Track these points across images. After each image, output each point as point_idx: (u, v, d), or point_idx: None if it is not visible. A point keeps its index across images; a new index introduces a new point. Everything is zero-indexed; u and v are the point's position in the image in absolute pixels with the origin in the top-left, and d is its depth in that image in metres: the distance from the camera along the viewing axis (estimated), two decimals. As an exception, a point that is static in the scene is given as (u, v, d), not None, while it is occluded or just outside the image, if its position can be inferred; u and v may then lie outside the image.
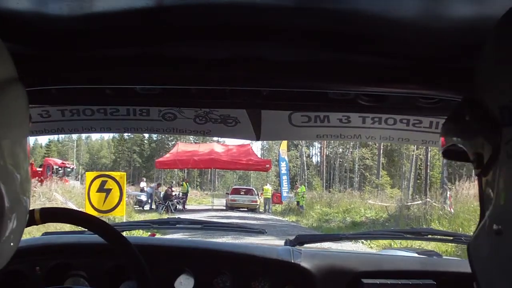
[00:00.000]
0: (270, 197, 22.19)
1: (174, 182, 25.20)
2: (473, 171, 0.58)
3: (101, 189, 9.38)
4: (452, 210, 11.23)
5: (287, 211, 21.08)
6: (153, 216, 14.87)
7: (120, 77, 0.92)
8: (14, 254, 0.55)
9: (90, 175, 9.90)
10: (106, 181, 9.46)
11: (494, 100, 0.54)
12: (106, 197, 9.40)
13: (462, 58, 0.87)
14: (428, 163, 19.44)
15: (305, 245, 1.66)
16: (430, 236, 1.83)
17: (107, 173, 10.63)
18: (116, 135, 62.29)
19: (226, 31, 0.81)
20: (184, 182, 22.75)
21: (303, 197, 20.44)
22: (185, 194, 21.40)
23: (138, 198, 20.42)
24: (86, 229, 1.06)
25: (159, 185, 21.27)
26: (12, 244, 0.54)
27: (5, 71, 0.52)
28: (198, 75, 0.91)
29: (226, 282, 1.42)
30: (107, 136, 69.44)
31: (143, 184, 21.93)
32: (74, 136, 60.24)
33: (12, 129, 0.52)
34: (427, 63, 0.88)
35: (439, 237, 1.90)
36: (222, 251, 1.52)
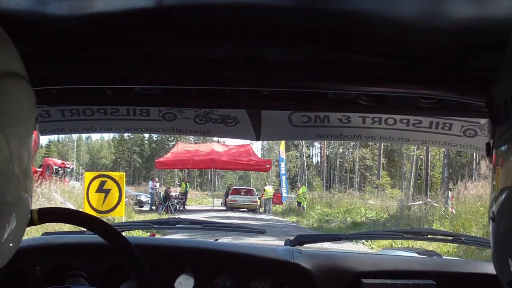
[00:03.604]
0: (271, 197, 22.20)
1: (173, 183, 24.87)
2: None
3: (100, 189, 9.35)
4: (454, 211, 11.20)
5: (287, 211, 21.08)
6: (153, 216, 14.86)
7: (120, 77, 0.92)
8: (14, 254, 0.55)
9: (89, 175, 9.84)
10: (105, 181, 9.43)
11: (499, 96, 0.57)
12: (105, 197, 9.37)
13: (462, 58, 0.87)
14: (429, 163, 19.44)
15: (305, 245, 1.66)
16: (430, 236, 1.83)
17: (106, 173, 10.59)
18: (116, 135, 62.31)
19: (226, 31, 0.81)
20: (182, 182, 22.58)
21: (304, 197, 20.43)
22: (184, 194, 21.33)
23: (138, 198, 20.36)
24: (86, 229, 1.06)
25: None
26: (11, 244, 0.53)
27: (4, 63, 0.51)
28: (198, 75, 0.91)
29: (226, 282, 1.42)
30: (107, 136, 69.50)
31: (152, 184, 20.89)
32: (74, 136, 60.27)
33: (15, 123, 0.51)
34: (427, 63, 0.88)
35: (439, 237, 1.90)
36: (222, 251, 1.52)
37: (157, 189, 19.91)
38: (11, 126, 0.50)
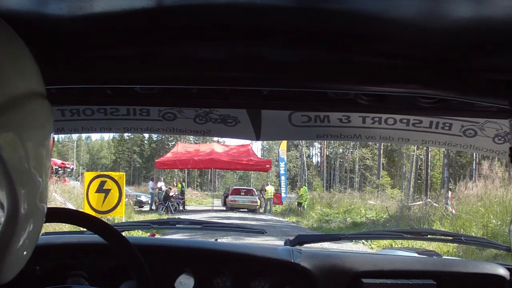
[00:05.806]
0: (271, 197, 22.18)
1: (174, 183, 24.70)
2: None
3: (100, 189, 9.31)
4: (454, 211, 11.19)
5: (287, 211, 21.08)
6: (153, 217, 14.84)
7: (120, 77, 0.92)
8: None
9: (88, 175, 9.81)
10: (105, 181, 9.39)
11: None
12: (105, 197, 9.34)
13: (462, 58, 0.87)
14: (429, 163, 19.44)
15: (305, 245, 1.66)
16: (430, 236, 1.83)
17: (106, 173, 10.56)
18: (116, 135, 62.25)
19: (226, 31, 0.81)
20: (178, 182, 22.41)
21: (304, 198, 20.40)
22: (182, 194, 21.17)
23: (138, 198, 20.32)
24: (86, 229, 1.06)
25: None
26: (25, 252, 0.53)
27: (30, 84, 0.53)
28: (198, 75, 0.91)
29: (226, 282, 1.42)
30: (107, 136, 69.49)
31: (160, 184, 20.40)
32: (74, 136, 60.24)
33: (36, 139, 0.53)
34: (427, 63, 0.88)
35: (439, 237, 1.90)
36: (222, 251, 1.52)
37: (162, 189, 19.63)
38: (32, 137, 0.52)
